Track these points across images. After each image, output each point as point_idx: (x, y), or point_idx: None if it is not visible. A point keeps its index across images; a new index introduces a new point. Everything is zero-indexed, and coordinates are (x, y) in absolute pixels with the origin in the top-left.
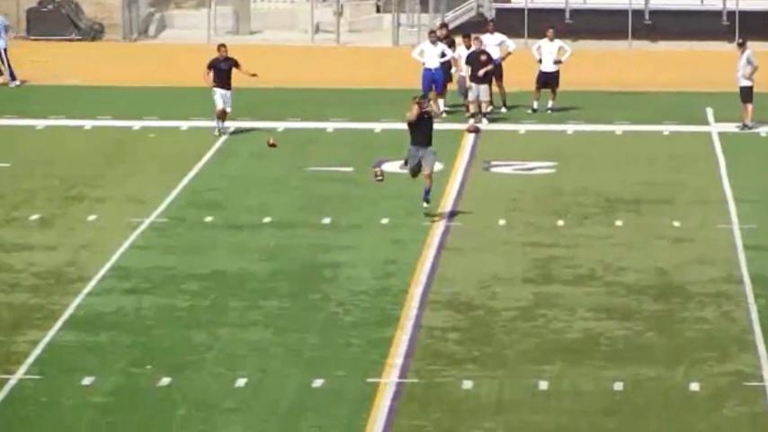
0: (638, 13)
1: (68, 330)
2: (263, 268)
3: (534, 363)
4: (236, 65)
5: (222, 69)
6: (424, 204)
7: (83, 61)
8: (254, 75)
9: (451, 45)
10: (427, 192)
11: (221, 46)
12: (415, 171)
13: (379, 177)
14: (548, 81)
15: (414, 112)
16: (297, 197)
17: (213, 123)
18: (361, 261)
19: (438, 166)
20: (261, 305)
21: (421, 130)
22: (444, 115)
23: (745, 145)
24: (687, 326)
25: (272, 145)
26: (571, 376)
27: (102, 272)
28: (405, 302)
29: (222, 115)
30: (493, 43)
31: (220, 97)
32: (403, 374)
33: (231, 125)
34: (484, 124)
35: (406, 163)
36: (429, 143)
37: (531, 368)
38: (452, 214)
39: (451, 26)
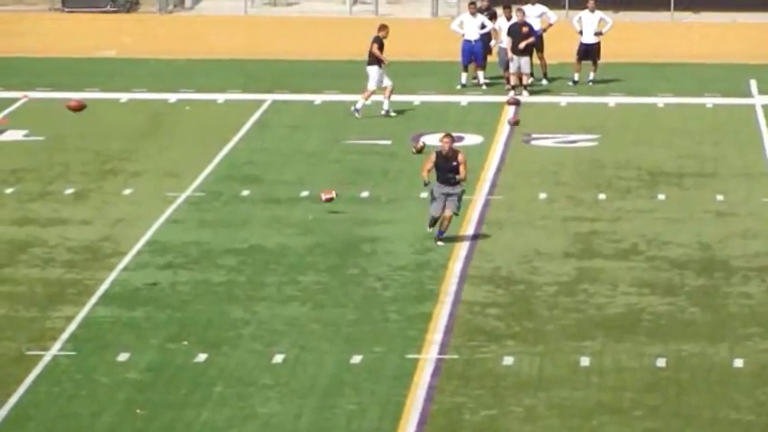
0: None
1: (103, 306)
2: (301, 243)
3: (576, 338)
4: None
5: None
6: (439, 243)
7: (118, 33)
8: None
9: (492, 17)
10: (441, 233)
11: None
12: (436, 219)
13: (420, 150)
14: (588, 53)
15: (429, 161)
16: (335, 171)
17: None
18: (400, 235)
19: (478, 139)
20: (298, 280)
21: (442, 169)
22: (484, 87)
23: None
24: (731, 301)
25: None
26: (613, 352)
27: (137, 246)
28: (444, 277)
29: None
30: (534, 15)
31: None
32: (443, 350)
33: (271, 98)
34: (524, 96)
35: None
36: (457, 182)
37: (572, 344)
38: (492, 187)
39: None
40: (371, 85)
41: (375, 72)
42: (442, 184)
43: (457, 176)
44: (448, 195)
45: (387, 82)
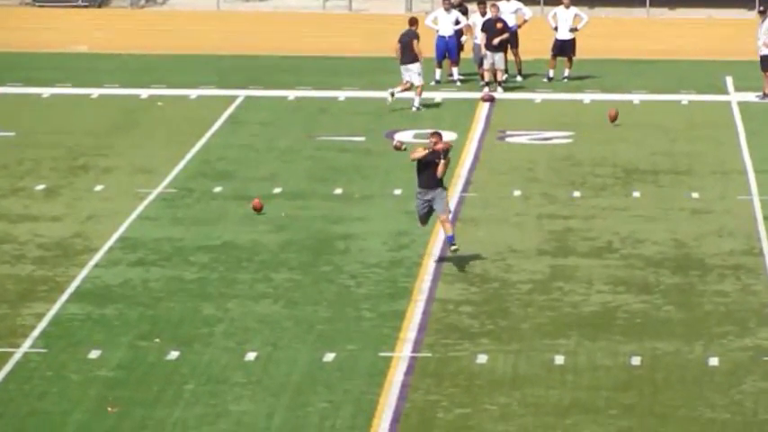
0: None
1: (75, 303)
2: (274, 240)
3: (550, 337)
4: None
5: (404, 43)
6: (453, 248)
7: (89, 28)
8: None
9: (465, 12)
10: (450, 238)
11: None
12: (425, 218)
13: (401, 147)
14: (564, 49)
15: (419, 152)
16: (308, 167)
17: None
18: (374, 232)
19: (452, 136)
20: (271, 277)
21: (430, 171)
22: (459, 84)
23: (766, 115)
24: (706, 299)
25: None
26: (588, 351)
27: (109, 243)
28: (418, 275)
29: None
30: (508, 11)
31: (406, 71)
32: (416, 348)
33: (244, 93)
34: (499, 93)
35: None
36: (439, 184)
37: (546, 342)
38: (467, 185)
39: None
40: (419, 80)
41: (417, 67)
42: (425, 190)
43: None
44: (432, 201)
45: (419, 80)
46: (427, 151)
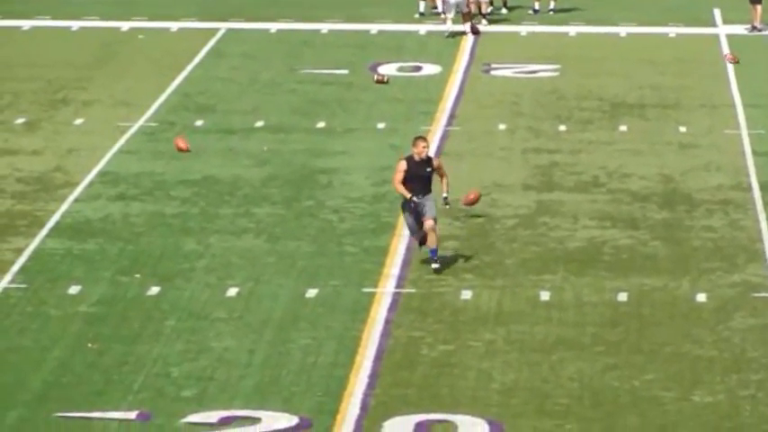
0: None
1: (54, 238)
2: (256, 174)
3: (535, 272)
4: None
5: None
6: (434, 266)
7: None
8: None
9: None
10: (434, 252)
11: None
12: (418, 231)
13: (384, 80)
14: None
15: (399, 170)
16: (290, 100)
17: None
18: (357, 167)
19: (436, 69)
20: (253, 212)
21: (417, 179)
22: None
23: (754, 48)
24: (694, 234)
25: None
26: (574, 287)
27: (89, 177)
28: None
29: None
30: None
31: None
32: (399, 284)
33: (226, 26)
34: (483, 25)
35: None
36: (428, 191)
37: (531, 278)
38: (451, 118)
39: None
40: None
41: None
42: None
43: (444, 195)
44: (424, 206)
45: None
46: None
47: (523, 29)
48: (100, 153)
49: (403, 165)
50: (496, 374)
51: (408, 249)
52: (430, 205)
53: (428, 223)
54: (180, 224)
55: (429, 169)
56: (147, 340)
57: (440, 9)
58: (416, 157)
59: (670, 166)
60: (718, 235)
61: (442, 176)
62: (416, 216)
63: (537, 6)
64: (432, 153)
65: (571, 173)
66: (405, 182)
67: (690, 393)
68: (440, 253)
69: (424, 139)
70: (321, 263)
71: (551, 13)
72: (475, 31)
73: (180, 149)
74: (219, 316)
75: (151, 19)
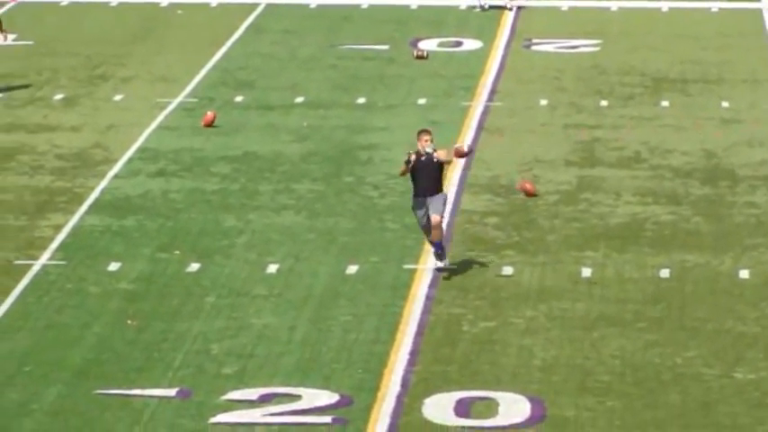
0: None
1: (94, 214)
2: (296, 150)
3: (577, 249)
4: None
5: None
6: (438, 263)
7: None
8: None
9: None
10: (438, 246)
11: None
12: (428, 228)
13: (424, 55)
14: None
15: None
16: (330, 76)
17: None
18: (397, 142)
19: (477, 44)
20: (293, 188)
21: (425, 175)
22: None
23: None
24: (736, 210)
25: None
26: (615, 263)
27: (128, 154)
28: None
29: None
30: None
31: None
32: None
33: (265, 1)
34: (524, 0)
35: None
36: (439, 190)
37: (573, 254)
38: (492, 94)
39: None
40: None
41: None
42: (423, 198)
43: (458, 145)
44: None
45: None
46: (410, 161)
47: (564, 3)
48: (139, 129)
49: (411, 157)
50: (538, 351)
51: (449, 225)
52: (439, 205)
53: (434, 218)
54: (220, 200)
55: (435, 160)
56: (187, 317)
57: None
58: (423, 152)
59: (712, 141)
60: (761, 211)
61: (449, 162)
62: (427, 218)
63: None
64: (472, 129)
65: (613, 148)
66: (413, 178)
67: (732, 370)
68: (479, 230)
69: (428, 132)
70: (361, 239)
71: None
72: (512, 8)
73: (206, 125)
74: (260, 293)
75: None
